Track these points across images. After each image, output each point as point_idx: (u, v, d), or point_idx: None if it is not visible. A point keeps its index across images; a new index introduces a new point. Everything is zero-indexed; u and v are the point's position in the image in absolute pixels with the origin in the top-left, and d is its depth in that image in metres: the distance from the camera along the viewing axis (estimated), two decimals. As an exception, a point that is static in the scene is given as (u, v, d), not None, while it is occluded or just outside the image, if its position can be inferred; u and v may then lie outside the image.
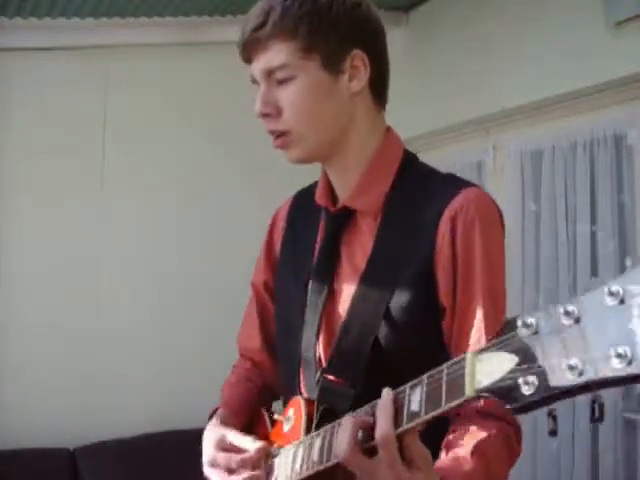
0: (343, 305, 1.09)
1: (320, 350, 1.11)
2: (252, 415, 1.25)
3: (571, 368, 0.58)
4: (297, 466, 1.00)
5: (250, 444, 1.08)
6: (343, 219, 1.13)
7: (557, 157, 2.69)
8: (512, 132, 2.90)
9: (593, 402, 0.62)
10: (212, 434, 1.15)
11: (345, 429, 0.83)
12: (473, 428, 0.97)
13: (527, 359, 0.63)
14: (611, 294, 0.57)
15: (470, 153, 3.12)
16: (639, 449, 2.40)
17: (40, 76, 3.03)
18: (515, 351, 0.64)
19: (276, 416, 1.14)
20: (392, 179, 1.11)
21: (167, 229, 3.23)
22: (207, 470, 1.13)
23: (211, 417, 1.23)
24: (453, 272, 1.03)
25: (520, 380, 0.63)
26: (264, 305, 1.31)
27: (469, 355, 0.71)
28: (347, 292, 1.09)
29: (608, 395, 2.45)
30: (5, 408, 2.88)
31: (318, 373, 1.07)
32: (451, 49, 3.07)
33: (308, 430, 1.03)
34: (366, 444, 0.83)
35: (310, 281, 1.14)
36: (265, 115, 1.08)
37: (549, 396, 0.62)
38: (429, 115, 3.17)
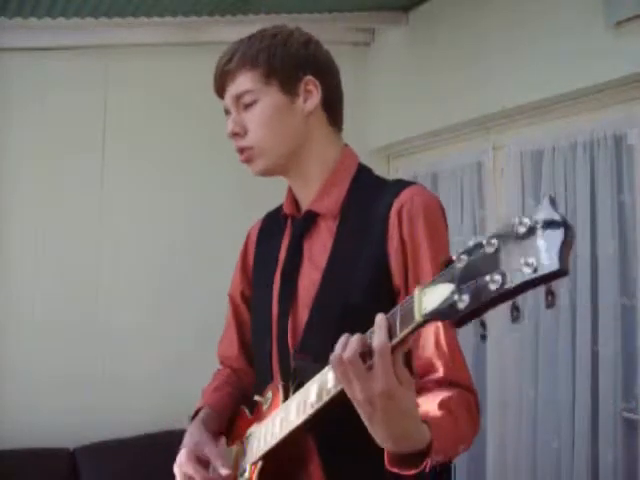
0: (306, 295, 1.25)
1: (289, 334, 1.25)
2: (232, 416, 1.39)
3: (493, 282, 0.72)
4: (276, 428, 1.14)
5: (221, 467, 1.19)
6: (306, 222, 1.30)
7: (557, 157, 2.69)
8: (512, 132, 2.90)
9: (512, 306, 0.75)
10: (193, 437, 1.28)
11: (350, 342, 0.93)
12: (435, 394, 1.09)
13: (460, 284, 0.77)
14: (521, 224, 0.71)
15: (470, 153, 3.12)
16: (639, 449, 2.40)
17: (40, 76, 3.03)
18: (451, 280, 0.79)
19: (256, 397, 1.26)
20: (347, 187, 1.29)
21: (167, 229, 3.23)
22: (176, 470, 1.26)
23: (194, 416, 1.37)
24: (403, 256, 1.19)
25: (456, 298, 0.77)
26: (240, 314, 1.48)
27: (416, 290, 0.85)
28: (310, 283, 1.25)
29: (608, 395, 2.45)
30: (5, 408, 2.88)
31: (292, 353, 1.22)
32: (451, 49, 3.07)
33: (286, 400, 1.17)
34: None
35: (279, 277, 1.30)
36: (234, 134, 1.28)
37: (479, 307, 0.75)
38: (429, 115, 3.17)
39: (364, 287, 1.19)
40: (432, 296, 0.82)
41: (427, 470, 0.98)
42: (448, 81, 3.06)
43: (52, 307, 3.00)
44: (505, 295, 0.72)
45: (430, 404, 1.05)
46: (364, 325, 1.11)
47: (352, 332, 1.09)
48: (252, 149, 1.28)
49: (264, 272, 1.37)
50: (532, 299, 2.71)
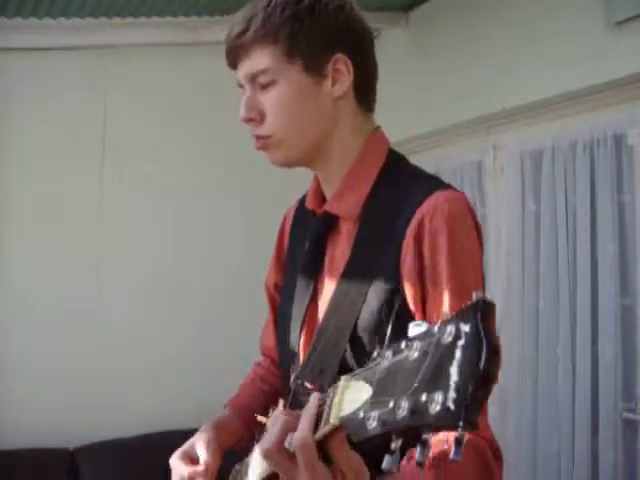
0: (322, 306, 1.11)
1: (301, 349, 1.13)
2: (260, 413, 1.25)
3: (399, 408, 0.59)
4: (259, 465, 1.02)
5: (202, 458, 1.16)
6: (325, 223, 1.14)
7: (557, 157, 2.69)
8: (512, 132, 2.90)
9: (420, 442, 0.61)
10: (195, 436, 1.22)
11: (271, 429, 0.78)
12: (436, 442, 0.89)
13: (376, 394, 0.64)
14: (448, 333, 0.58)
15: (470, 153, 3.12)
16: (639, 449, 2.40)
17: (40, 76, 3.03)
18: (371, 382, 0.65)
19: (259, 418, 1.17)
20: (372, 183, 1.10)
21: (167, 227, 3.23)
22: (171, 466, 1.20)
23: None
24: (420, 280, 1.01)
25: (367, 414, 0.63)
26: (276, 304, 1.32)
27: (342, 380, 0.70)
28: (326, 294, 1.11)
29: (608, 395, 2.45)
30: (5, 408, 2.88)
31: (292, 377, 1.09)
32: (451, 49, 3.07)
33: None
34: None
35: (298, 280, 1.16)
36: (249, 120, 1.09)
37: (384, 433, 0.61)
38: (429, 115, 3.17)
39: (375, 310, 1.02)
40: (353, 394, 0.67)
41: None
42: (448, 81, 3.06)
43: (52, 313, 2.99)
44: (409, 430, 0.60)
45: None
46: (370, 352, 0.95)
47: (360, 358, 0.97)
48: (269, 138, 1.09)
49: (292, 267, 1.23)
50: (532, 297, 2.72)
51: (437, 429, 0.58)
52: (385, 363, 0.64)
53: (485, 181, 3.05)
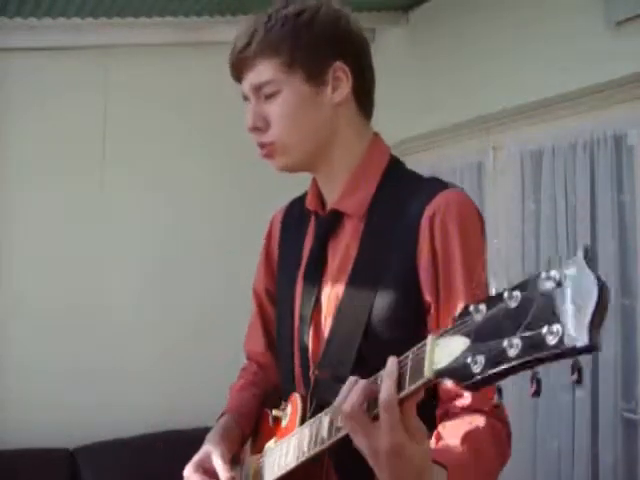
0: (329, 303, 1.15)
1: (310, 346, 1.16)
2: (257, 418, 1.30)
3: (512, 346, 0.63)
4: (289, 456, 1.05)
5: (222, 473, 1.13)
6: (331, 222, 1.18)
7: (557, 157, 2.69)
8: (512, 132, 2.90)
9: (532, 376, 0.65)
10: (205, 446, 1.20)
11: (354, 391, 0.84)
12: (461, 422, 1.00)
13: (476, 340, 0.68)
14: (548, 278, 0.62)
15: (470, 153, 3.12)
16: (639, 449, 2.40)
17: (40, 76, 3.03)
18: (467, 334, 0.70)
19: (274, 412, 1.19)
20: (377, 183, 1.17)
21: (167, 226, 3.23)
22: (187, 477, 1.17)
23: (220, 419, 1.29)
24: (434, 269, 1.07)
25: (469, 360, 0.68)
26: (265, 310, 1.37)
27: (429, 339, 0.76)
28: (334, 291, 1.15)
29: (608, 395, 2.45)
30: (5, 408, 2.88)
31: (312, 368, 1.13)
32: (451, 49, 3.07)
33: (302, 423, 1.07)
34: (369, 412, 0.84)
35: (302, 280, 1.20)
36: (255, 129, 1.16)
37: (494, 374, 0.66)
38: (429, 115, 3.17)
39: (390, 302, 1.08)
40: (446, 349, 0.72)
41: None
42: (448, 81, 3.06)
43: (52, 314, 2.99)
44: (524, 365, 0.64)
45: (453, 438, 0.97)
46: (387, 343, 1.03)
47: (375, 349, 0.99)
48: (273, 144, 1.15)
49: (287, 268, 1.26)
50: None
51: (557, 358, 0.61)
52: (479, 317, 0.69)
53: (485, 181, 3.04)
